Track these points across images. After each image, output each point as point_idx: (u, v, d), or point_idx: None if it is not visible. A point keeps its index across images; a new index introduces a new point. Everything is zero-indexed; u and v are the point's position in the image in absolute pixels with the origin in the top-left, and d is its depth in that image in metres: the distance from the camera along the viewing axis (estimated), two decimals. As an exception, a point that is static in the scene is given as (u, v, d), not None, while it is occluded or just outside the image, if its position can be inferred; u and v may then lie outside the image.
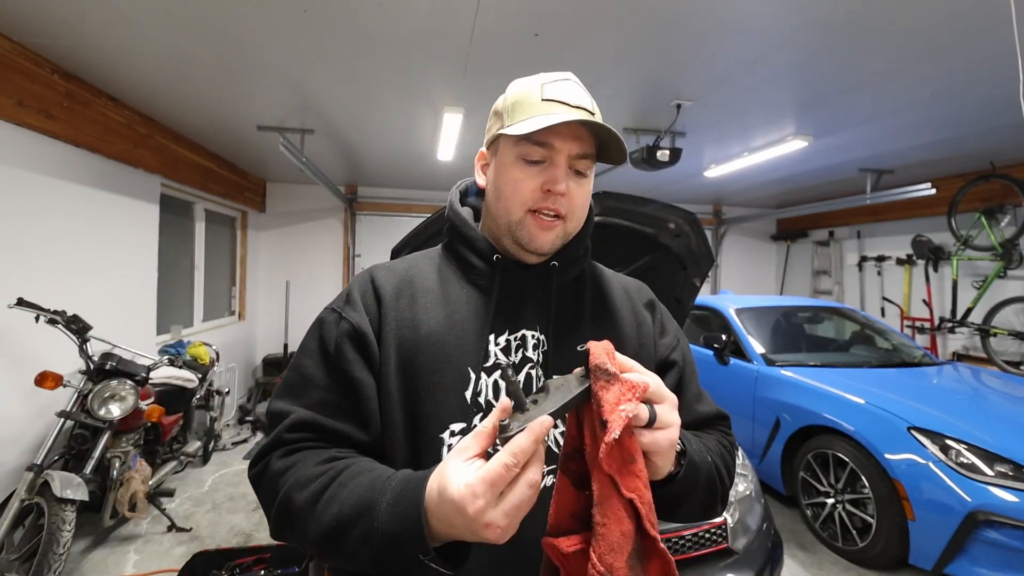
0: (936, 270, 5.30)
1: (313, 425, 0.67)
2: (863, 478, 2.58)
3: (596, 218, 0.87)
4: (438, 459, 0.65)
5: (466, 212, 0.81)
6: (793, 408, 3.03)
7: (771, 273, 7.67)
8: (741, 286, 7.32)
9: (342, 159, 4.97)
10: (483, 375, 0.71)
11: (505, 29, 2.33)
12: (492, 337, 0.73)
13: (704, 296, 4.50)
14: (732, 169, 4.67)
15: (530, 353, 0.74)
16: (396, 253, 1.53)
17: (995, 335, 4.53)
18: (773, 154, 4.07)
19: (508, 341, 0.74)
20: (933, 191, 4.22)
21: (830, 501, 2.78)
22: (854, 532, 2.65)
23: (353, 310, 0.72)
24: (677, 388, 0.80)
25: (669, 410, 0.55)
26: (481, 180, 0.80)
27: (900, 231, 5.69)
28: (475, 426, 0.65)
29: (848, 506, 2.69)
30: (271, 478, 0.64)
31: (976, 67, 2.57)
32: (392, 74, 2.85)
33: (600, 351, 0.53)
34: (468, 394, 0.70)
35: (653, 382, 0.55)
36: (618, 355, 0.54)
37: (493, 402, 0.71)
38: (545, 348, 0.74)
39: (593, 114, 0.70)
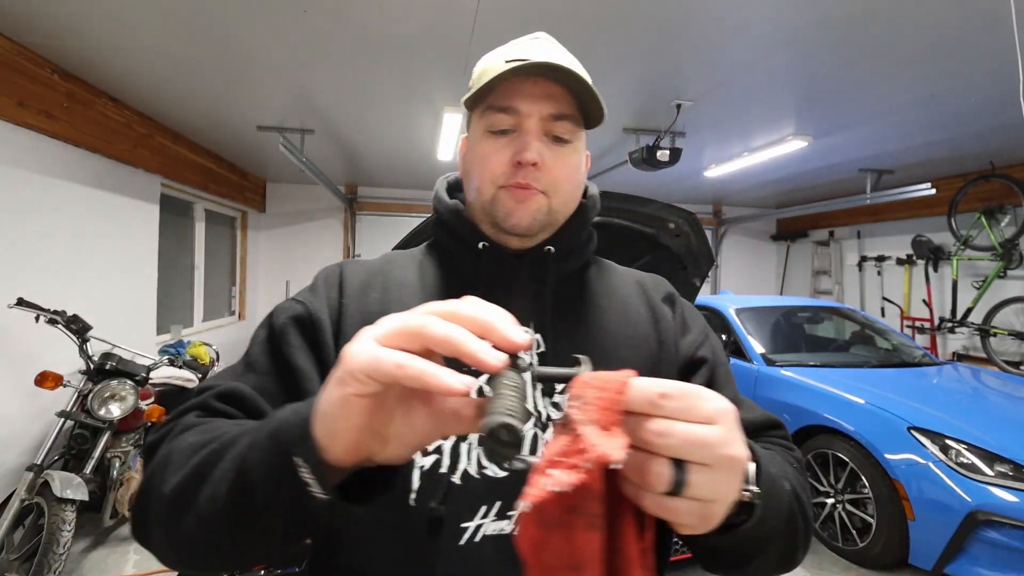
0: (936, 270, 5.30)
1: (251, 401, 0.55)
2: (863, 478, 2.58)
3: (596, 218, 0.83)
4: (407, 487, 0.55)
5: (454, 204, 0.72)
6: (793, 408, 3.03)
7: (771, 273, 7.67)
8: (741, 286, 7.31)
9: (342, 159, 4.97)
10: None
11: (505, 29, 2.33)
12: None
13: (704, 296, 4.49)
14: (732, 169, 4.67)
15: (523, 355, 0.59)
16: None
17: (995, 335, 4.53)
18: (773, 154, 4.07)
19: None
20: (933, 191, 4.22)
21: (830, 501, 2.78)
22: (854, 532, 2.65)
23: (312, 296, 0.64)
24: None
25: (717, 476, 0.33)
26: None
27: (900, 231, 5.68)
28: (457, 442, 0.57)
29: (848, 506, 2.69)
30: (171, 436, 0.48)
31: (976, 67, 2.57)
32: (392, 74, 2.85)
33: (588, 383, 0.34)
34: None
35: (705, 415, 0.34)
36: (655, 384, 0.33)
37: None
38: (541, 349, 0.62)
39: (558, 68, 0.57)
